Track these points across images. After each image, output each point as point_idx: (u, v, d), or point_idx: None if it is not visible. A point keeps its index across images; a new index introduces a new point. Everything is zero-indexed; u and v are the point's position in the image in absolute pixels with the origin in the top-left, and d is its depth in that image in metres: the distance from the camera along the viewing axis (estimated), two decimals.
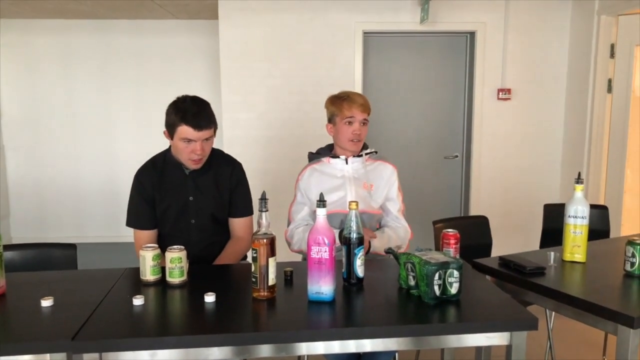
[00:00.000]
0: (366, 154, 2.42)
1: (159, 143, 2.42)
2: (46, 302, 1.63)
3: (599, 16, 3.99)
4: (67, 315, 1.56)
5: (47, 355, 1.41)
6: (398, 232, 2.38)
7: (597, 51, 4.01)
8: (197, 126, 2.07)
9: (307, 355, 2.29)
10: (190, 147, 2.11)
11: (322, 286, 1.62)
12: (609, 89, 4.01)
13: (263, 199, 1.67)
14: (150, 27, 5.48)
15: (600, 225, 2.86)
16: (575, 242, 2.09)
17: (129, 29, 5.47)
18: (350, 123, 2.32)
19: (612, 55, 3.98)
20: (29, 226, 5.63)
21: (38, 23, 5.42)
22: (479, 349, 1.79)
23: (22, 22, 5.40)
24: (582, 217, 2.07)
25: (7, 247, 2.08)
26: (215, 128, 2.17)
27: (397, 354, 2.24)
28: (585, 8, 4.16)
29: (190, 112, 2.08)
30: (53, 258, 2.25)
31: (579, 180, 2.09)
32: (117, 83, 5.58)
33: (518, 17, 4.36)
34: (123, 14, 5.16)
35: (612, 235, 2.98)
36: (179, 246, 1.84)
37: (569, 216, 2.09)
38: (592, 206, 2.19)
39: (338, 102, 2.35)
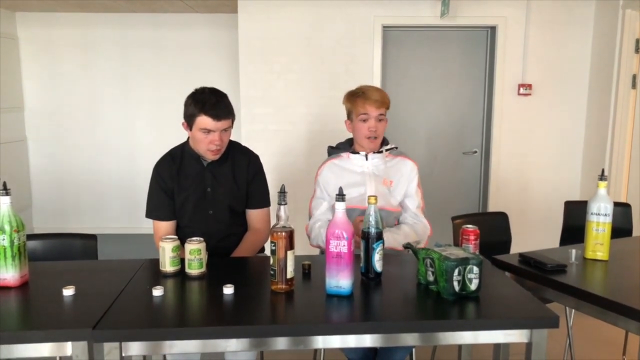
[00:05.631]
0: (386, 150, 2.40)
1: (178, 135, 2.43)
2: (68, 292, 1.65)
3: (624, 10, 3.91)
4: (88, 305, 1.58)
5: (69, 344, 1.43)
6: (416, 229, 2.37)
7: (621, 46, 3.93)
8: (216, 116, 2.09)
9: (324, 349, 2.30)
10: (209, 138, 2.12)
11: (341, 280, 1.62)
12: (634, 85, 3.93)
13: (282, 192, 1.67)
14: (170, 21, 5.51)
15: (623, 223, 2.81)
16: (598, 240, 2.05)
17: (149, 22, 5.51)
18: (365, 120, 2.30)
19: (637, 50, 3.90)
20: (49, 217, 5.72)
21: (59, 16, 5.48)
22: (497, 347, 1.78)
23: (43, 15, 5.47)
24: (605, 215, 2.04)
25: (30, 237, 2.10)
26: (233, 119, 2.18)
27: (414, 350, 2.24)
28: (609, 2, 4.08)
29: (209, 102, 2.09)
30: (74, 248, 2.28)
31: (602, 177, 2.05)
32: (137, 76, 5.62)
33: (540, 12, 4.29)
34: (143, 8, 5.19)
35: (635, 233, 2.93)
36: (198, 238, 1.85)
37: (592, 213, 2.05)
38: (615, 204, 2.15)
39: (353, 99, 2.34)
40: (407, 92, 4.51)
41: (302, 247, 2.13)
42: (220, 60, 5.55)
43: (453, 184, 4.63)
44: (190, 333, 1.46)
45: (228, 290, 1.66)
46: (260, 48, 4.30)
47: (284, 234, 1.64)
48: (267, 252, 1.77)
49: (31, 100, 5.63)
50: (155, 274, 1.87)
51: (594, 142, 4.31)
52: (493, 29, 4.37)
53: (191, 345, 1.47)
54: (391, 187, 2.36)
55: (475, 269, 1.60)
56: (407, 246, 1.86)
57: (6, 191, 1.70)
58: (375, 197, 1.75)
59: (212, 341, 1.47)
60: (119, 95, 5.65)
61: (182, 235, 2.05)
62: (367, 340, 1.51)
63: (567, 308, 2.47)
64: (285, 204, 1.67)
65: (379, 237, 1.75)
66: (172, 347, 1.47)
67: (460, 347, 2.14)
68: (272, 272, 1.66)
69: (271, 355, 2.67)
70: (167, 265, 1.85)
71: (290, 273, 1.66)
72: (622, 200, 3.93)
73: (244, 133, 4.33)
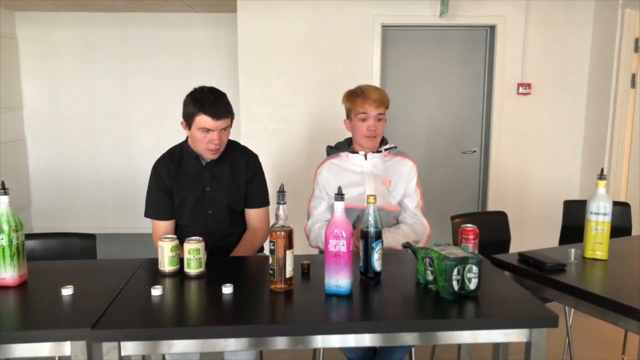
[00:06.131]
0: (385, 149, 2.40)
1: (177, 135, 2.43)
2: (66, 291, 1.65)
3: (623, 10, 3.91)
4: (86, 304, 1.58)
5: (67, 343, 1.43)
6: (415, 228, 2.37)
7: (620, 45, 3.93)
8: (215, 115, 2.08)
9: (323, 349, 2.30)
10: (208, 137, 2.12)
11: (340, 279, 1.62)
12: (633, 84, 3.93)
13: (281, 191, 1.66)
14: (169, 20, 5.51)
15: (622, 222, 2.81)
16: (597, 239, 2.05)
17: (148, 22, 5.50)
18: (364, 119, 2.30)
19: (637, 49, 3.90)
20: (48, 216, 5.72)
21: (58, 16, 5.48)
22: (496, 346, 1.78)
23: (42, 15, 5.46)
24: (605, 214, 2.03)
25: (29, 237, 2.10)
26: (233, 118, 2.18)
27: (413, 349, 2.24)
28: (609, 1, 4.08)
29: (208, 101, 2.09)
30: (73, 248, 2.27)
31: (601, 176, 2.05)
32: (136, 76, 5.62)
33: (539, 11, 4.29)
34: (142, 7, 5.19)
35: (634, 232, 2.93)
36: (197, 237, 1.85)
37: (591, 213, 2.05)
38: (614, 203, 2.15)
39: (352, 98, 2.34)
40: (406, 91, 4.50)
41: (301, 247, 2.13)
42: (219, 59, 5.55)
43: (452, 183, 4.63)
44: (189, 333, 1.45)
45: (227, 289, 1.66)
46: (259, 47, 4.29)
47: (283, 233, 1.64)
48: (266, 251, 1.77)
49: (30, 99, 5.63)
50: (154, 274, 1.87)
51: (593, 142, 4.31)
52: (492, 28, 4.36)
53: (190, 345, 1.47)
54: (390, 186, 2.35)
55: (475, 269, 1.60)
56: (407, 245, 1.86)
57: (5, 191, 1.70)
58: (375, 196, 1.75)
59: (211, 341, 1.47)
60: (118, 95, 5.64)
61: (181, 234, 2.05)
62: (366, 340, 1.50)
63: (567, 307, 2.47)
64: (284, 203, 1.66)
65: (378, 236, 1.74)
66: (171, 346, 1.47)
67: (459, 346, 2.14)
68: (271, 272, 1.66)
69: (270, 355, 2.67)
70: (166, 264, 1.85)
71: (289, 272, 1.66)
72: (621, 199, 3.93)
73: (243, 132, 4.33)
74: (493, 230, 2.67)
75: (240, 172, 2.28)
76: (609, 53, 4.06)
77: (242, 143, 2.40)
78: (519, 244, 2.74)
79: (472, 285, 1.60)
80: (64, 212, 5.75)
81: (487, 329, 1.52)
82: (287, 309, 1.63)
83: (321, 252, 2.37)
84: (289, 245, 1.65)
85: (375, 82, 4.26)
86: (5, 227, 1.68)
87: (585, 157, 4.42)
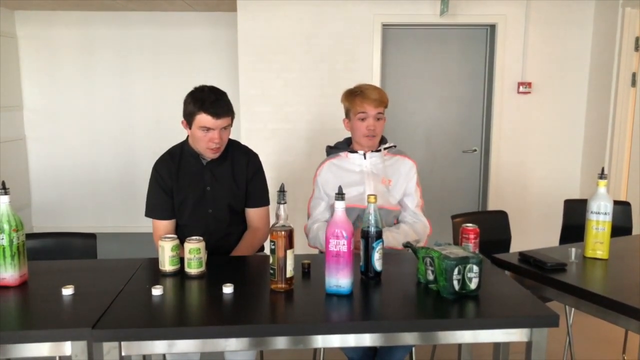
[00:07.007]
0: (385, 148, 2.40)
1: (177, 134, 2.43)
2: (67, 291, 1.64)
3: (623, 9, 3.91)
4: (87, 304, 1.58)
5: (68, 343, 1.43)
6: (415, 228, 2.36)
7: (621, 44, 3.93)
8: (216, 114, 2.08)
9: (324, 349, 2.30)
10: (208, 136, 2.12)
11: (340, 279, 1.62)
12: (633, 83, 3.93)
13: (282, 191, 1.66)
14: (169, 20, 5.50)
15: (622, 221, 2.80)
16: (598, 239, 2.05)
17: (148, 21, 5.50)
18: (363, 119, 2.30)
19: (637, 48, 3.90)
20: (49, 216, 5.71)
21: (58, 15, 5.47)
22: (497, 346, 1.78)
23: (42, 14, 5.46)
24: (605, 214, 2.03)
25: (29, 236, 2.09)
26: (233, 117, 2.17)
27: (413, 349, 2.23)
28: (609, 0, 4.08)
29: (209, 100, 2.09)
30: (73, 247, 2.27)
31: (602, 175, 2.05)
32: (136, 75, 5.61)
33: (540, 10, 4.29)
34: (142, 6, 5.18)
35: (635, 232, 2.93)
36: (198, 237, 1.85)
37: (592, 212, 2.05)
38: (615, 202, 2.14)
39: (351, 98, 2.34)
40: (406, 90, 4.50)
41: (302, 246, 2.13)
42: (219, 58, 5.54)
43: (453, 183, 4.63)
44: (189, 332, 1.45)
45: (227, 289, 1.66)
46: (259, 46, 4.29)
47: (283, 233, 1.63)
48: (267, 251, 1.77)
49: (30, 99, 5.62)
50: (155, 273, 1.87)
51: (593, 141, 4.30)
52: (493, 27, 4.36)
53: (191, 345, 1.47)
54: (390, 185, 2.35)
55: (475, 268, 1.60)
56: (407, 245, 1.85)
57: (5, 190, 1.69)
58: (375, 196, 1.75)
59: (212, 340, 1.47)
60: (118, 94, 5.64)
61: (182, 234, 2.05)
62: (366, 340, 1.50)
63: (567, 307, 2.47)
64: (285, 202, 1.66)
65: (379, 236, 1.74)
66: (171, 346, 1.47)
67: (460, 346, 2.14)
68: (271, 271, 1.66)
69: (271, 355, 2.67)
70: (167, 264, 1.85)
71: (289, 272, 1.66)
72: (622, 198, 3.94)
73: (243, 132, 4.33)
74: (493, 229, 2.67)
75: (240, 172, 2.28)
76: (609, 52, 4.06)
77: (242, 142, 2.40)
78: (519, 244, 2.74)
79: (473, 285, 1.60)
80: (64, 211, 5.75)
81: (487, 328, 1.52)
82: (287, 309, 1.63)
83: (321, 252, 2.37)
84: (290, 244, 1.65)
85: (376, 81, 4.26)
86: (6, 227, 1.68)
87: (586, 156, 4.42)
